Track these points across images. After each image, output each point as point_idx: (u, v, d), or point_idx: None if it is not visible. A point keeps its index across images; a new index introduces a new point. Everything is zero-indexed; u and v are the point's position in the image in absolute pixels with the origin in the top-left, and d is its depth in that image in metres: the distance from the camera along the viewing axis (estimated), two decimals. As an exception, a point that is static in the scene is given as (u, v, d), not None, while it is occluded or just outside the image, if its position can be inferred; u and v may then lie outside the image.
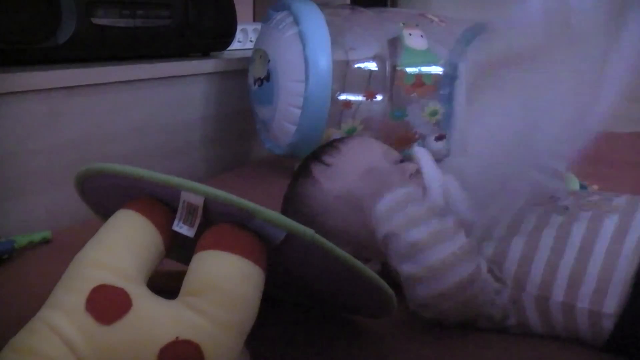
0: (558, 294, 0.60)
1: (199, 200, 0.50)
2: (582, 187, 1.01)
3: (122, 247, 0.49)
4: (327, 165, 0.72)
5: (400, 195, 0.63)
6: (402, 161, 0.75)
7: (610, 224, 0.62)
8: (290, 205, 0.74)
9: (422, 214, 0.61)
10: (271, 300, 0.68)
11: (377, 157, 0.73)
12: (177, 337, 0.45)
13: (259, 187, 1.18)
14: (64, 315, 0.45)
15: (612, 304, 0.59)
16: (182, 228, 0.51)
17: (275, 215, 0.49)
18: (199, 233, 0.51)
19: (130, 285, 0.47)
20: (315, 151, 0.76)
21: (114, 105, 1.10)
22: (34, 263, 0.82)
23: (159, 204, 0.53)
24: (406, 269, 0.61)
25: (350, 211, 0.70)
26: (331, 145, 0.75)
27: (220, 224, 0.51)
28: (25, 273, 0.79)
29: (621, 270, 0.59)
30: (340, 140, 0.77)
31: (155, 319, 0.46)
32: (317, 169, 0.73)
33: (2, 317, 0.64)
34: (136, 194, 0.53)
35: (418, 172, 0.71)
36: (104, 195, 0.57)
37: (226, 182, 1.24)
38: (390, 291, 0.57)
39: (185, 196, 0.51)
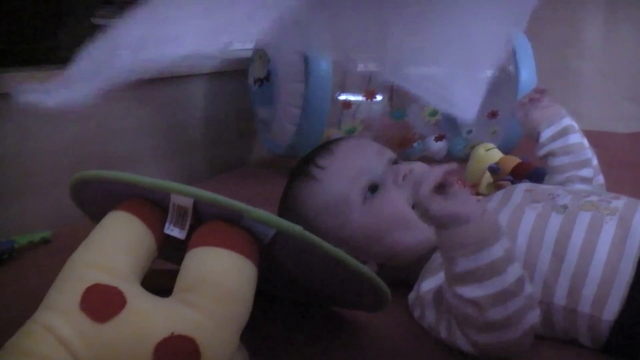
0: (560, 298, 0.60)
1: (188, 203, 0.51)
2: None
3: (115, 247, 0.50)
4: (321, 168, 0.72)
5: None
6: (396, 161, 0.74)
7: (609, 229, 0.62)
8: (287, 207, 0.74)
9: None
10: (271, 299, 0.68)
11: (369, 158, 0.73)
12: (172, 333, 0.45)
13: (259, 187, 1.18)
14: (58, 315, 0.45)
15: (611, 310, 0.59)
16: (173, 231, 0.52)
17: (263, 213, 0.49)
18: (190, 235, 0.51)
19: (124, 284, 0.47)
20: (309, 153, 0.76)
21: (114, 105, 1.10)
22: (34, 263, 0.82)
23: (150, 204, 0.53)
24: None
25: (343, 213, 0.70)
26: (325, 148, 0.75)
27: (211, 222, 0.51)
28: (25, 273, 0.79)
29: (621, 276, 0.59)
30: (334, 141, 0.76)
31: (150, 315, 0.46)
32: (311, 172, 0.73)
33: (2, 316, 0.65)
34: (128, 198, 0.54)
35: (411, 172, 0.71)
36: (99, 201, 0.57)
37: (226, 182, 1.24)
38: (383, 284, 0.57)
39: (175, 199, 0.51)
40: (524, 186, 0.72)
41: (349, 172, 0.71)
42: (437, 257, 0.67)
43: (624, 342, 0.59)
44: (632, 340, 0.59)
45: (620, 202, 0.65)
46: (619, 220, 0.62)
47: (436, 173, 0.54)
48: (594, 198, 0.66)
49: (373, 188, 0.71)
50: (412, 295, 0.68)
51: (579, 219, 0.63)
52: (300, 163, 0.76)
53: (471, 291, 0.54)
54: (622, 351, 0.60)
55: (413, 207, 0.70)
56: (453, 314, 0.58)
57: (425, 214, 0.56)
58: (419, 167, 0.73)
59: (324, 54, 1.16)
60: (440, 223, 0.55)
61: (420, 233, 0.70)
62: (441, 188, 0.54)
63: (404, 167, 0.72)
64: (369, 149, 0.75)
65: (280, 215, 0.73)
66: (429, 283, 0.65)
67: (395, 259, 0.71)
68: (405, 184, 0.70)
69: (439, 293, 0.63)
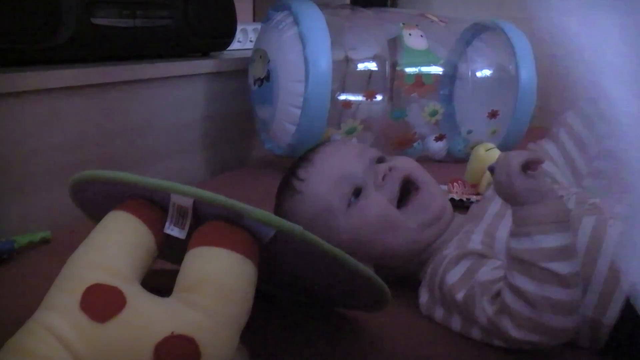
0: None
1: (188, 202, 0.51)
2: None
3: (115, 246, 0.50)
4: (301, 180, 0.72)
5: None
6: (380, 159, 0.73)
7: (613, 233, 0.62)
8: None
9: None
10: (271, 300, 0.68)
11: (349, 162, 0.72)
12: (172, 332, 0.45)
13: (259, 187, 1.17)
14: (58, 315, 0.45)
15: (612, 315, 0.59)
16: (173, 230, 0.52)
17: (263, 213, 0.49)
18: (190, 235, 0.51)
19: (124, 284, 0.47)
20: (291, 165, 0.76)
21: (114, 105, 1.10)
22: (34, 263, 0.82)
23: (150, 204, 0.53)
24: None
25: (330, 222, 0.70)
26: (304, 158, 0.75)
27: (211, 222, 0.51)
28: (25, 273, 0.79)
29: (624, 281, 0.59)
30: (313, 150, 0.76)
31: (150, 315, 0.46)
32: (293, 185, 0.73)
33: (1, 317, 0.65)
34: (128, 198, 0.54)
35: (391, 170, 0.70)
36: (99, 201, 0.57)
37: (226, 182, 1.24)
38: (383, 284, 0.57)
39: (175, 199, 0.51)
40: None
41: (329, 181, 0.71)
42: (441, 254, 0.67)
43: (623, 344, 0.60)
44: (631, 342, 0.59)
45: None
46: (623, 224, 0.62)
47: (526, 152, 0.59)
48: (598, 201, 0.66)
49: (357, 192, 0.70)
50: (424, 299, 0.68)
51: (583, 223, 0.63)
52: (285, 175, 0.75)
53: (560, 267, 0.55)
54: (620, 353, 0.60)
55: (398, 207, 0.70)
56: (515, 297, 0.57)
57: (506, 188, 0.59)
58: (400, 162, 0.72)
59: (324, 54, 1.16)
60: (520, 198, 0.58)
61: (408, 234, 0.70)
62: (525, 168, 0.58)
63: (384, 166, 0.71)
64: (348, 152, 0.74)
65: None
66: (454, 275, 0.64)
67: (388, 260, 0.71)
68: (386, 183, 0.70)
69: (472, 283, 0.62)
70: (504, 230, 0.66)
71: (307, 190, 0.71)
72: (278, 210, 0.74)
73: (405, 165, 0.72)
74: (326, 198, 0.70)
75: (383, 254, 0.70)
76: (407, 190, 0.71)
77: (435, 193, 0.73)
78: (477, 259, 0.64)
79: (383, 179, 0.70)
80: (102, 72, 1.06)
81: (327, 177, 0.71)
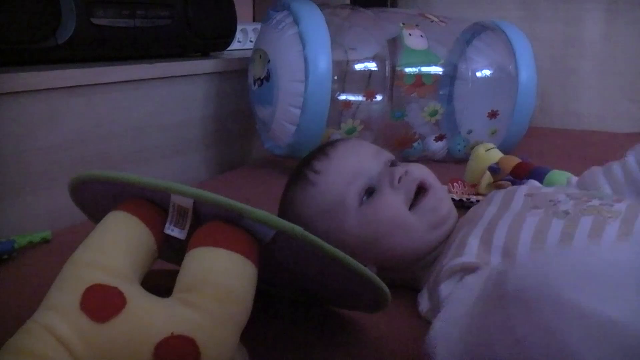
0: None
1: (188, 203, 0.51)
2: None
3: (115, 247, 0.50)
4: (317, 172, 0.72)
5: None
6: (394, 163, 0.74)
7: (611, 231, 0.62)
8: (285, 211, 0.74)
9: None
10: (271, 300, 0.68)
11: (365, 160, 0.73)
12: (172, 333, 0.45)
13: (259, 187, 1.18)
14: (58, 315, 0.45)
15: None
16: (173, 231, 0.52)
17: (262, 213, 0.49)
18: (190, 235, 0.51)
19: (124, 284, 0.47)
20: (306, 157, 0.76)
21: (114, 105, 1.10)
22: (34, 263, 0.82)
23: (150, 204, 0.53)
24: None
25: (340, 218, 0.70)
26: (321, 151, 0.75)
27: (211, 222, 0.51)
28: (25, 273, 0.79)
29: None
30: (331, 144, 0.76)
31: (150, 315, 0.46)
32: (307, 176, 0.72)
33: (1, 317, 0.65)
34: (128, 198, 0.54)
35: (407, 174, 0.71)
36: (99, 201, 0.57)
37: (226, 182, 1.24)
38: (383, 285, 0.57)
39: (175, 199, 0.51)
40: (524, 190, 0.72)
41: (344, 176, 0.71)
42: (440, 263, 0.67)
43: None
44: None
45: (622, 205, 0.65)
46: (621, 223, 0.62)
47: None
48: (595, 202, 0.66)
49: (369, 191, 0.70)
50: (424, 307, 0.67)
51: (581, 223, 0.63)
52: (298, 166, 0.76)
53: None
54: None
55: (410, 209, 0.70)
56: None
57: None
58: (415, 168, 0.73)
59: (324, 54, 1.16)
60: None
61: (417, 236, 0.70)
62: None
63: (400, 169, 0.71)
64: (365, 151, 0.74)
65: (280, 217, 0.73)
66: (444, 289, 0.64)
67: (393, 261, 0.71)
68: (401, 186, 0.70)
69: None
70: (501, 233, 0.66)
71: (321, 183, 0.71)
72: (286, 201, 0.74)
73: (420, 171, 0.73)
74: (340, 193, 0.70)
75: (389, 255, 0.70)
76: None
77: (443, 196, 0.74)
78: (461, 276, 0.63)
79: (399, 181, 0.70)
80: (102, 72, 1.06)
81: (342, 172, 0.71)
